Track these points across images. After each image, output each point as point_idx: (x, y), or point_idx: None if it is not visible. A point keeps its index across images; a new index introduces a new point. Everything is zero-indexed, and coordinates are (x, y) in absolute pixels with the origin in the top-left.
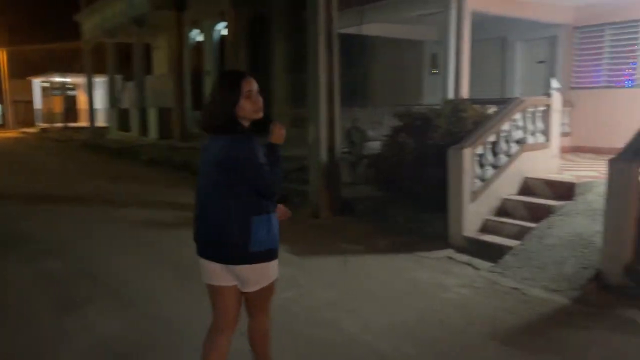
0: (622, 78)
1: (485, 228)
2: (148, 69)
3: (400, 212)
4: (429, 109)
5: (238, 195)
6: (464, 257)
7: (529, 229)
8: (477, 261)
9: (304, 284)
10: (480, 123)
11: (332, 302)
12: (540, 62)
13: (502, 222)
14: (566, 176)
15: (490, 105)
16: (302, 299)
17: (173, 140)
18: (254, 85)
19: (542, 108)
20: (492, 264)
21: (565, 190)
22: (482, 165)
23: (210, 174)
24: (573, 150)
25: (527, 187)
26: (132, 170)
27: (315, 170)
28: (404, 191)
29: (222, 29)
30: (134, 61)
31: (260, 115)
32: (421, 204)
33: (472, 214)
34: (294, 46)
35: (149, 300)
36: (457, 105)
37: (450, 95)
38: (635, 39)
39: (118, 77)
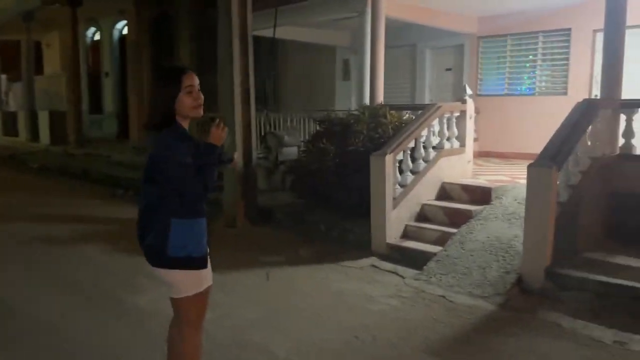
0: (523, 86)
1: (407, 234)
2: (38, 68)
3: (321, 220)
4: (348, 114)
5: (161, 195)
6: (389, 265)
7: (450, 234)
8: (401, 269)
9: (223, 302)
10: (400, 129)
11: (257, 321)
12: (448, 69)
13: (423, 228)
14: (481, 181)
15: (405, 111)
16: (223, 320)
17: (68, 146)
18: (195, 81)
19: (457, 114)
20: (417, 271)
21: (481, 195)
22: (402, 171)
23: (146, 168)
24: (481, 155)
25: (445, 192)
26: (22, 179)
27: (230, 177)
28: (324, 198)
29: (122, 27)
30: (23, 60)
31: (201, 113)
32: (342, 211)
33: (395, 221)
34: (201, 46)
35: (46, 330)
36: (376, 111)
37: (366, 100)
38: (535, 49)
39: (2, 77)
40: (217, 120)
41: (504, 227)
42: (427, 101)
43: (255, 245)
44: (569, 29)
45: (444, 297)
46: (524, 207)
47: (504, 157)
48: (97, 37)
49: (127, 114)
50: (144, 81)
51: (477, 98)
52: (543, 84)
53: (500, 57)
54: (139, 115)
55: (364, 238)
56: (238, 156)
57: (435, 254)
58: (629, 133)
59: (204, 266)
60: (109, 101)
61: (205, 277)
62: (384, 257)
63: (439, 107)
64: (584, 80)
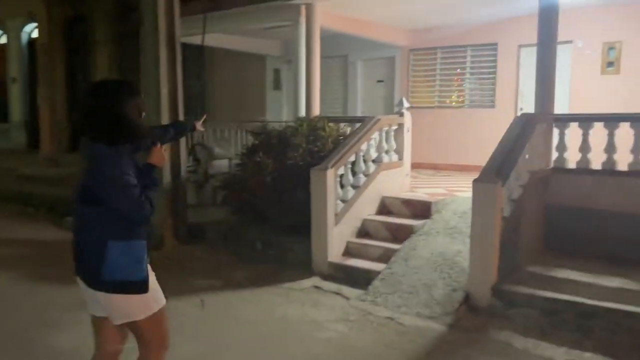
0: (453, 99)
1: (349, 251)
2: None
3: (257, 238)
4: (285, 126)
5: (99, 214)
6: (332, 286)
7: (393, 250)
8: (345, 289)
9: None
10: (340, 142)
11: (197, 359)
12: (380, 81)
13: (365, 245)
14: (420, 194)
15: (342, 124)
16: None
17: None
18: None
19: (395, 127)
20: (362, 291)
21: (421, 209)
22: (343, 186)
23: (81, 186)
24: (414, 167)
25: (385, 206)
26: None
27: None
28: (261, 214)
29: (31, 30)
30: None
31: None
32: (281, 228)
33: (337, 238)
34: (121, 51)
35: None
36: (314, 123)
37: (302, 112)
38: (463, 62)
39: None
40: (157, 142)
41: (447, 242)
42: (359, 113)
43: (186, 268)
44: (496, 44)
45: (392, 319)
46: (464, 221)
47: (436, 168)
48: (2, 40)
49: (37, 123)
50: (56, 88)
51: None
52: (472, 96)
53: (430, 69)
54: (51, 124)
55: (304, 257)
56: (200, 124)
57: (379, 272)
58: (561, 147)
59: (144, 290)
60: (16, 109)
61: (153, 299)
62: (326, 277)
63: (378, 119)
64: (511, 94)
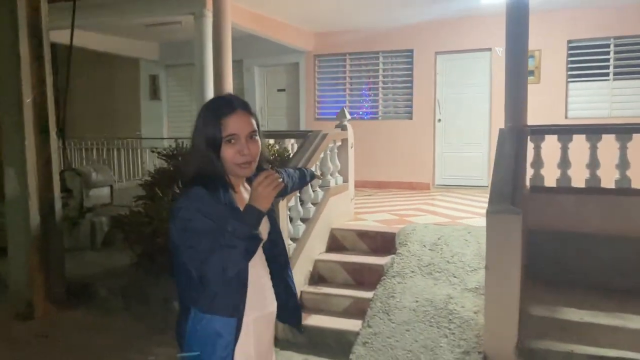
0: (365, 110)
1: (305, 304)
2: None
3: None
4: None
5: (185, 275)
6: (296, 357)
7: (364, 300)
8: None
9: None
10: (283, 163)
11: None
12: (281, 90)
13: (324, 295)
14: (372, 223)
15: (269, 140)
16: None
17: None
18: (241, 126)
19: (339, 143)
20: None
21: (382, 242)
22: (291, 220)
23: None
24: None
25: (337, 240)
26: None
27: (20, 240)
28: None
29: None
30: None
31: (248, 173)
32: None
33: None
34: None
35: None
36: None
37: None
38: (376, 70)
39: None
40: (265, 170)
41: (429, 284)
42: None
43: (74, 348)
44: (412, 50)
45: None
46: (439, 255)
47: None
48: None
49: None
50: None
51: (314, 122)
52: (386, 107)
53: (339, 77)
54: None
55: None
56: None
57: (357, 334)
58: (538, 163)
59: None
60: None
61: None
62: (283, 344)
63: (326, 134)
64: (429, 104)
